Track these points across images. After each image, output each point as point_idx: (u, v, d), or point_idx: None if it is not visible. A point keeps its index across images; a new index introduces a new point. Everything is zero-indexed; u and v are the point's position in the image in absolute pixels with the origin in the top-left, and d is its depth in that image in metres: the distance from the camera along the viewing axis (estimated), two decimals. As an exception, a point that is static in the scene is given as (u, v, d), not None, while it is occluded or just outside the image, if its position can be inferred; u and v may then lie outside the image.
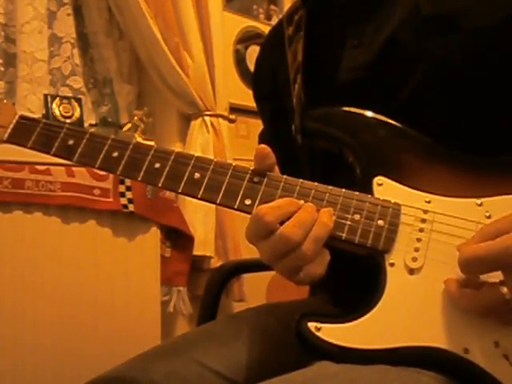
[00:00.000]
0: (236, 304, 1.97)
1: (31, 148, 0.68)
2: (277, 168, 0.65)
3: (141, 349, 0.76)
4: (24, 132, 0.69)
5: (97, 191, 1.64)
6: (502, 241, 0.51)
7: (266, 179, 0.63)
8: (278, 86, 0.83)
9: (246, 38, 2.26)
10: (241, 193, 0.62)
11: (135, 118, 1.93)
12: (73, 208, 1.61)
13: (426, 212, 0.60)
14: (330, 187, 0.62)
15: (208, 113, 1.96)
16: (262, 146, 0.63)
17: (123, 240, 1.70)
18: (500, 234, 0.51)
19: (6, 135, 0.69)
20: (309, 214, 0.58)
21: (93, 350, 1.60)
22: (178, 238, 1.85)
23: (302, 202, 0.60)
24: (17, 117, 0.70)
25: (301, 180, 0.63)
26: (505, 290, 0.52)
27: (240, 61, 2.24)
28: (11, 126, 0.69)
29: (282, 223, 0.58)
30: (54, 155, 0.67)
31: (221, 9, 2.05)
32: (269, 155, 0.63)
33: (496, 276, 0.53)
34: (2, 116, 0.70)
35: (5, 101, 0.72)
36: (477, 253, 0.52)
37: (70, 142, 0.67)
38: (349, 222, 0.60)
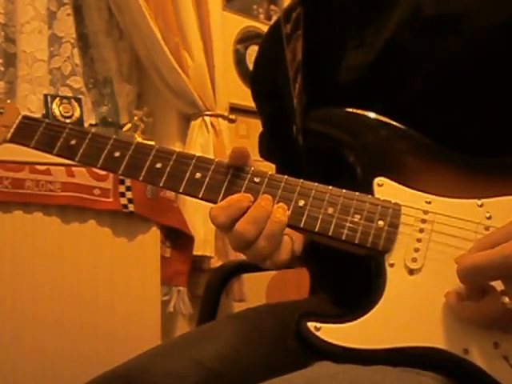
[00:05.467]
0: (236, 304, 1.97)
1: (34, 148, 0.68)
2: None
3: (141, 349, 0.76)
4: (27, 132, 0.69)
5: (97, 191, 1.64)
6: (502, 249, 0.50)
7: (266, 179, 0.63)
8: (277, 85, 0.83)
9: (246, 38, 2.26)
10: (242, 193, 0.62)
11: (135, 118, 1.93)
12: (73, 208, 1.62)
13: (426, 213, 0.60)
14: (331, 187, 0.62)
15: (208, 113, 1.96)
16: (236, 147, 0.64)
17: (123, 240, 1.70)
18: (497, 245, 0.51)
19: (9, 135, 0.69)
20: (262, 208, 0.60)
21: (93, 350, 1.60)
22: (177, 237, 1.85)
23: (253, 197, 0.61)
24: (20, 117, 0.70)
25: (301, 180, 0.63)
26: (506, 299, 0.51)
27: (240, 61, 2.24)
28: (14, 126, 0.70)
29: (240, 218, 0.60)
30: (57, 155, 0.68)
31: (221, 9, 2.05)
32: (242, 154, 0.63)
33: (497, 286, 0.52)
34: (6, 116, 0.70)
35: (8, 101, 0.72)
36: (476, 261, 0.51)
37: (73, 142, 0.67)
38: (349, 223, 0.60)
